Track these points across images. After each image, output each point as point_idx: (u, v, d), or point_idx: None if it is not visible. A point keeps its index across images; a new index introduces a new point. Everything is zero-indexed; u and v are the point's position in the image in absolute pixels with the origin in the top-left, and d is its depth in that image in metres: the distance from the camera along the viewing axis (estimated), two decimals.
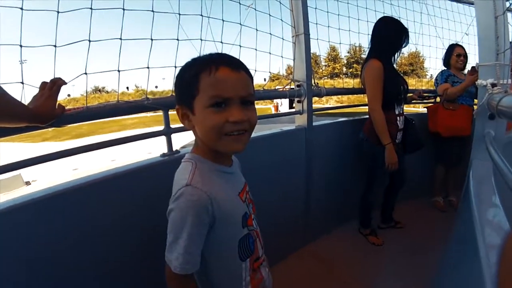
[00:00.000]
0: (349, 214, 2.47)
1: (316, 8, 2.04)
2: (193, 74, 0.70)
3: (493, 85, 1.53)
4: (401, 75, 2.23)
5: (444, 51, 2.93)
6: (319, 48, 2.23)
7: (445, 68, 2.87)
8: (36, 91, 0.92)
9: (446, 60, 2.85)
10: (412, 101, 2.69)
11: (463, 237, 1.00)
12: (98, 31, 1.16)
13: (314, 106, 2.02)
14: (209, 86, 0.68)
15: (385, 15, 2.47)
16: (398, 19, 2.14)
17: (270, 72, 1.79)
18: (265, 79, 2.03)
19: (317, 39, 2.06)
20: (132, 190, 1.22)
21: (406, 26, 2.06)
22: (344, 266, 2.02)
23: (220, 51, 0.80)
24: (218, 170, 0.79)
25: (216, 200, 0.71)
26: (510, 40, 1.63)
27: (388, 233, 2.43)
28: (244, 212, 0.81)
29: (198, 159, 0.77)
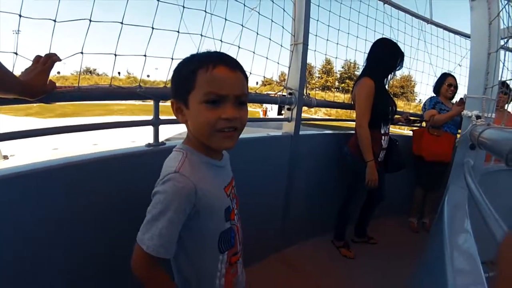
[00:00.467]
0: (326, 225, 2.50)
1: (318, 20, 2.06)
2: (191, 69, 0.72)
3: (478, 117, 1.59)
4: (391, 96, 2.28)
5: (436, 78, 3.01)
6: (315, 59, 2.27)
7: (434, 95, 2.95)
8: (29, 63, 0.90)
9: (437, 88, 2.93)
10: (398, 123, 2.75)
11: (433, 260, 1.03)
12: (98, 13, 1.15)
13: (302, 115, 2.04)
14: (206, 82, 0.70)
15: (384, 36, 2.53)
16: (396, 42, 2.19)
17: (264, 76, 1.80)
18: (257, 83, 2.04)
19: (315, 50, 2.09)
20: (114, 176, 1.21)
21: (402, 49, 2.11)
22: (314, 274, 2.04)
23: (218, 49, 0.81)
24: (208, 162, 0.81)
25: (202, 191, 0.73)
26: (499, 78, 1.70)
27: (361, 247, 2.47)
28: (227, 205, 0.83)
29: (190, 150, 0.79)
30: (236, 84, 0.73)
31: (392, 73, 2.17)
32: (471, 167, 1.44)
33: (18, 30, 0.92)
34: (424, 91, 3.43)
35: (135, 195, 1.21)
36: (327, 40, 2.23)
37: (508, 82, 2.55)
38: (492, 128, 1.12)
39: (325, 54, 2.31)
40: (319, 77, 59.32)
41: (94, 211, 1.16)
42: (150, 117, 1.37)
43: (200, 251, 0.81)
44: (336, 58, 2.42)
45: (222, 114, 0.71)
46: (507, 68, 1.66)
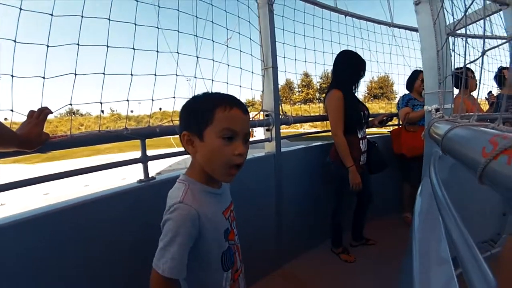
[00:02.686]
0: (321, 235, 2.55)
1: (284, 43, 2.22)
2: (209, 107, 0.85)
3: (437, 110, 1.71)
4: (362, 102, 2.40)
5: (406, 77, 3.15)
6: (285, 75, 2.40)
7: (407, 92, 3.08)
8: (24, 118, 0.99)
9: (410, 84, 3.05)
10: (373, 126, 2.86)
11: (407, 255, 1.02)
12: (83, 52, 1.25)
13: (288, 131, 2.14)
14: (224, 119, 0.83)
15: (349, 47, 2.70)
16: (362, 49, 2.33)
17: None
18: None
19: (285, 71, 2.24)
20: (111, 215, 1.27)
21: (373, 56, 2.25)
22: (318, 284, 2.09)
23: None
24: (207, 191, 0.91)
25: (203, 216, 0.84)
26: (457, 67, 1.81)
27: (360, 250, 2.52)
28: (226, 227, 0.94)
29: (191, 181, 0.90)
30: (246, 125, 0.88)
31: (358, 80, 2.29)
32: (439, 157, 1.51)
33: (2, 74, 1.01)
34: (398, 90, 3.55)
35: (133, 230, 1.28)
36: (295, 59, 2.39)
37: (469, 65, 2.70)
38: (440, 120, 1.21)
39: (295, 73, 2.46)
40: (299, 91, 59.96)
41: (96, 251, 1.22)
42: (138, 153, 1.46)
43: (206, 270, 0.90)
44: (306, 75, 2.56)
45: (235, 151, 0.83)
46: (459, 55, 1.76)
